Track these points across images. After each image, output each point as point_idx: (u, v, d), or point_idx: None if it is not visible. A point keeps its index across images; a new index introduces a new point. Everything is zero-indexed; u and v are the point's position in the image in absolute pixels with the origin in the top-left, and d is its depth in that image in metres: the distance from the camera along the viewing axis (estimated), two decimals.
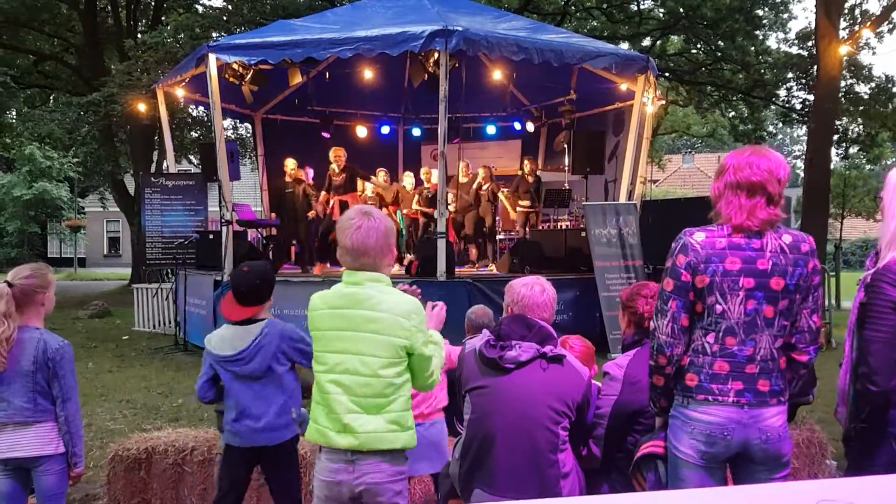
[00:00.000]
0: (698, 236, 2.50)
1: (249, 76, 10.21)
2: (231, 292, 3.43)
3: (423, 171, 12.11)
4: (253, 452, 3.40)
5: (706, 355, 2.51)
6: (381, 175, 11.48)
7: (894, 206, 2.63)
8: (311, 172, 12.00)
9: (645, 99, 10.25)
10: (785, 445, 2.50)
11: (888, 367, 2.54)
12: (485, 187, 11.36)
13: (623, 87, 10.72)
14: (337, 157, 10.85)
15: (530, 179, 11.52)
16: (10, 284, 3.12)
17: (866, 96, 20.18)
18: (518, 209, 11.66)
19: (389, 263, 2.71)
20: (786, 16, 23.41)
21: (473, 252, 12.05)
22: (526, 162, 11.73)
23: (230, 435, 3.41)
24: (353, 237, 2.59)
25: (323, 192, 10.83)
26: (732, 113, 24.95)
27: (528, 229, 11.72)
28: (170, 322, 11.84)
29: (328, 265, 10.67)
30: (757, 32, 21.29)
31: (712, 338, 2.50)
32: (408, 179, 11.85)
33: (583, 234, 9.88)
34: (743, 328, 2.46)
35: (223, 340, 3.39)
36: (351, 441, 2.59)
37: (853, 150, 23.99)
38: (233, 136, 21.35)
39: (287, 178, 10.76)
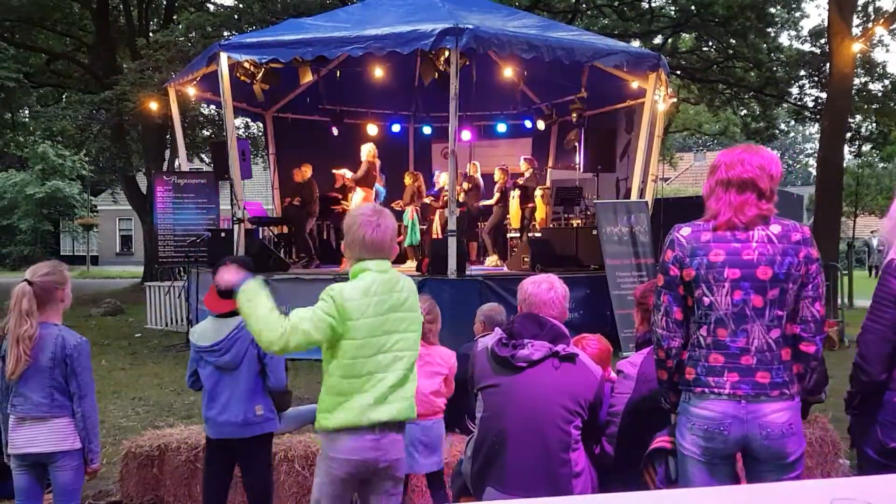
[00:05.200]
0: (684, 231, 2.55)
1: (261, 75, 10.25)
2: (213, 286, 3.45)
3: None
4: (228, 445, 3.46)
5: (701, 348, 2.52)
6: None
7: None
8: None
9: (656, 97, 10.21)
10: (790, 443, 2.43)
11: (879, 358, 2.56)
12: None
13: (634, 84, 10.67)
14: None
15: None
16: (30, 283, 3.15)
17: (880, 94, 19.99)
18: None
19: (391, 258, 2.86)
20: (798, 13, 23.20)
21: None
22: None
23: (206, 427, 3.51)
24: (374, 234, 2.74)
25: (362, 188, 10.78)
26: (744, 111, 24.77)
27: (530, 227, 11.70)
28: (182, 320, 11.88)
29: None
30: (769, 30, 21.10)
31: (705, 330, 2.51)
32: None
33: (594, 232, 9.86)
34: (732, 319, 2.46)
35: (204, 332, 3.48)
36: None
37: (866, 148, 23.78)
38: (244, 135, 21.40)
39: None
